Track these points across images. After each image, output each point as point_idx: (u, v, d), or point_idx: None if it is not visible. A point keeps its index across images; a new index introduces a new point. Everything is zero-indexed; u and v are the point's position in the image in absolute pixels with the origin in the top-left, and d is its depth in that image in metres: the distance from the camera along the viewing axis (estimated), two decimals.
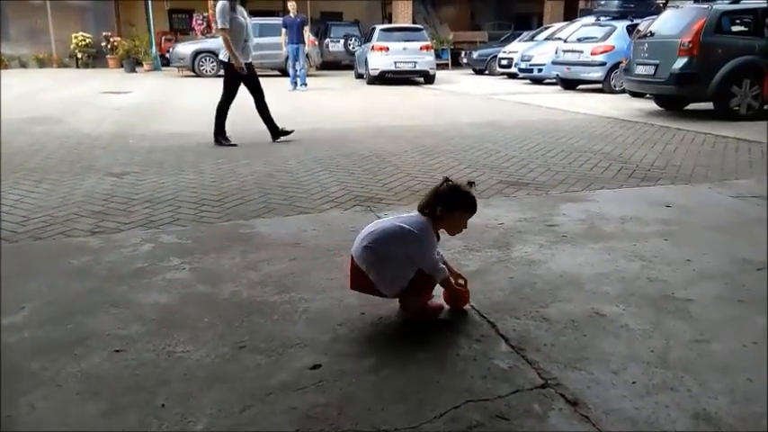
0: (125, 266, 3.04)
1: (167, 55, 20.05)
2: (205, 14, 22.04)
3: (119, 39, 22.14)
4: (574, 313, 2.50)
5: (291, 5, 13.99)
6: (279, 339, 2.29)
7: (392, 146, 6.55)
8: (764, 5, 8.60)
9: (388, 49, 15.76)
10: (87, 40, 22.40)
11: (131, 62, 20.49)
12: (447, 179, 2.41)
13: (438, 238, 2.45)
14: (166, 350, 2.21)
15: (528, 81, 16.32)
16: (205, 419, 1.82)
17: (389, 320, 2.46)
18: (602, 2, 15.18)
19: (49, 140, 6.83)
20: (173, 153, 6.13)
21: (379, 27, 17.31)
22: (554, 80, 14.64)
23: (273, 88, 14.44)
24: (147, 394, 1.94)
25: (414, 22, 22.19)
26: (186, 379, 2.03)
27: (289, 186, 4.75)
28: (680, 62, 8.36)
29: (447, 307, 2.53)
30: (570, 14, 23.25)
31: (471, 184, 2.43)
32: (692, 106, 9.49)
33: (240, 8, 6.68)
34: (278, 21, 15.88)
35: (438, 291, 2.53)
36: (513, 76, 17.53)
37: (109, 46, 22.01)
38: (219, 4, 6.51)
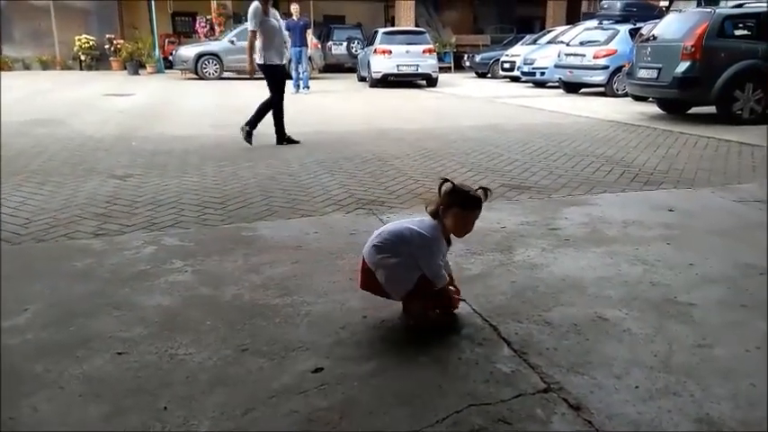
0: (128, 269, 3.04)
1: (170, 57, 20.08)
2: (208, 17, 22.08)
3: (122, 41, 22.20)
4: (576, 317, 2.49)
5: (294, 8, 14.03)
6: (281, 342, 2.29)
7: (394, 149, 6.56)
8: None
9: (390, 52, 15.78)
10: (91, 43, 22.46)
11: (134, 64, 20.53)
12: (445, 179, 2.41)
13: (449, 243, 2.45)
14: (169, 353, 2.21)
15: (530, 84, 16.32)
16: (207, 422, 1.82)
17: (391, 324, 2.45)
18: (605, 5, 15.17)
19: (52, 142, 6.85)
20: (175, 155, 6.15)
21: (381, 30, 17.34)
22: (556, 83, 14.64)
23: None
24: (150, 397, 1.94)
25: (416, 26, 22.24)
26: (188, 382, 2.03)
27: (291, 189, 4.75)
28: (683, 66, 8.36)
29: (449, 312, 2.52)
30: (573, 18, 23.28)
31: (485, 190, 2.41)
32: (694, 110, 9.48)
33: (273, 10, 6.78)
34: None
35: None
36: (515, 79, 17.53)
37: (112, 48, 22.07)
38: (252, 6, 6.61)
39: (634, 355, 2.19)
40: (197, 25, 22.62)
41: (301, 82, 13.94)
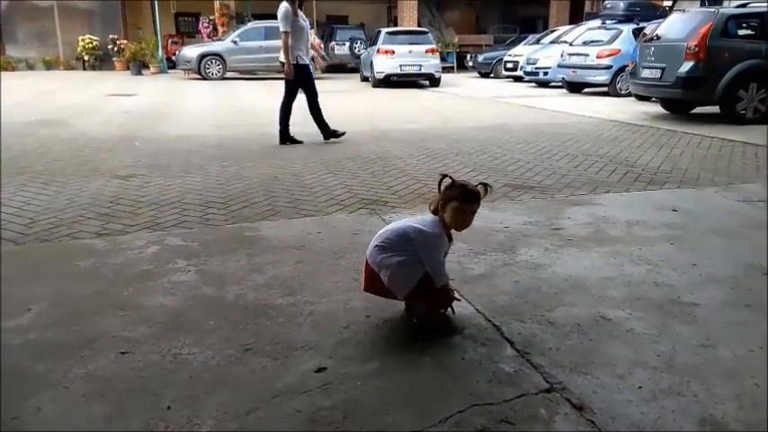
0: (131, 268, 3.05)
1: (173, 58, 20.13)
2: (211, 18, 22.12)
3: (125, 41, 22.26)
4: (579, 317, 2.49)
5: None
6: (284, 342, 2.29)
7: (397, 149, 6.56)
8: None
9: (393, 52, 15.78)
10: (94, 43, 22.53)
11: (138, 65, 20.58)
12: (444, 175, 2.41)
13: (450, 239, 2.45)
14: (172, 352, 2.22)
15: (533, 84, 16.30)
16: (211, 422, 1.82)
17: (395, 324, 2.45)
18: (608, 5, 15.15)
19: (56, 143, 6.86)
20: (179, 155, 6.16)
21: (384, 30, 17.34)
22: (560, 83, 14.63)
23: (279, 91, 14.48)
24: (153, 396, 1.95)
25: (419, 26, 22.25)
26: (192, 381, 2.03)
27: (294, 189, 4.75)
28: (686, 66, 8.34)
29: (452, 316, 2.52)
30: (576, 18, 23.25)
31: (485, 186, 2.41)
32: (698, 110, 9.46)
33: (300, 11, 6.88)
34: None
35: None
36: (518, 79, 17.52)
37: (115, 48, 22.13)
38: (282, 8, 6.70)
39: (637, 356, 2.19)
40: (200, 25, 22.67)
41: None
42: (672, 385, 2.00)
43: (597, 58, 13.00)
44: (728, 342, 2.29)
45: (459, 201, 2.33)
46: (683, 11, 10.41)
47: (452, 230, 2.43)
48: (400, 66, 15.79)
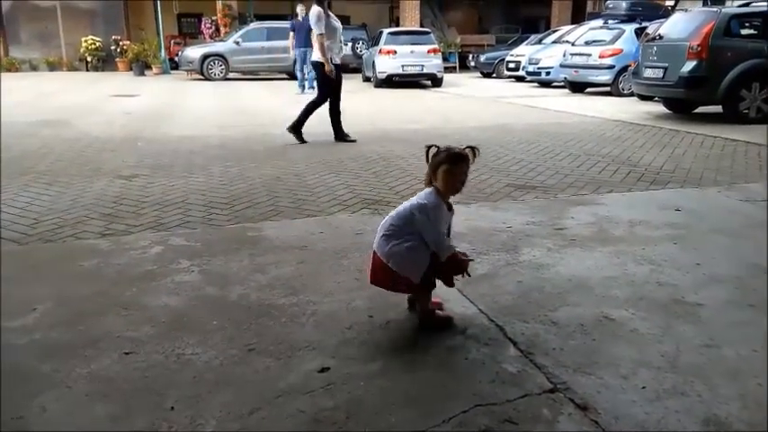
0: (134, 269, 3.05)
1: (176, 58, 20.15)
2: (214, 18, 22.14)
3: (128, 42, 22.29)
4: (583, 317, 2.49)
5: (300, 9, 14.03)
6: (287, 342, 2.29)
7: (399, 149, 6.56)
8: None
9: (395, 52, 15.78)
10: (97, 44, 22.57)
11: (140, 65, 20.62)
12: (430, 146, 2.41)
13: (450, 209, 2.42)
14: (176, 352, 2.22)
15: (536, 84, 16.29)
16: (214, 422, 1.82)
17: (397, 324, 2.45)
18: (611, 5, 15.13)
19: (59, 143, 6.88)
20: (181, 156, 6.16)
21: (386, 30, 17.33)
22: (562, 83, 14.61)
23: (281, 91, 14.52)
24: (157, 396, 1.95)
25: (421, 26, 22.22)
26: (195, 381, 2.04)
27: (296, 189, 4.76)
28: (689, 65, 8.33)
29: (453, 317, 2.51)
30: (578, 17, 23.23)
31: (473, 149, 2.39)
32: (700, 109, 9.45)
33: (330, 12, 6.97)
34: (286, 24, 15.95)
35: (441, 290, 2.52)
36: (520, 79, 17.50)
37: (118, 49, 22.17)
38: (315, 11, 6.84)
39: (641, 356, 2.18)
40: (202, 26, 22.70)
41: (306, 83, 13.95)
42: (676, 385, 2.00)
43: (599, 57, 12.99)
44: (732, 342, 2.28)
45: (448, 164, 2.33)
46: (686, 10, 10.40)
47: (451, 202, 2.42)
48: (402, 66, 15.78)
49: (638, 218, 3.88)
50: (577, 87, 13.88)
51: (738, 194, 4.51)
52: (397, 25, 23.78)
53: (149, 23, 22.87)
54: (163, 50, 21.52)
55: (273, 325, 2.44)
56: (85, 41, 22.44)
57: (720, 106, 8.62)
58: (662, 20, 10.66)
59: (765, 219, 3.87)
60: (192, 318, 2.51)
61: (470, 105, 11.88)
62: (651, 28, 10.41)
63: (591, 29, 14.91)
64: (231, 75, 18.06)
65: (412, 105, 11.81)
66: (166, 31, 22.62)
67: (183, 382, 2.03)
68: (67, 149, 6.51)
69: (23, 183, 4.91)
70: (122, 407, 1.90)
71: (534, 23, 26.45)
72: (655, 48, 9.19)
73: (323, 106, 7.12)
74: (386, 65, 15.80)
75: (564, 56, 14.14)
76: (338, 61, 7.02)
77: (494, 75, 20.11)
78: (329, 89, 7.05)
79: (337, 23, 7.02)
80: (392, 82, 15.95)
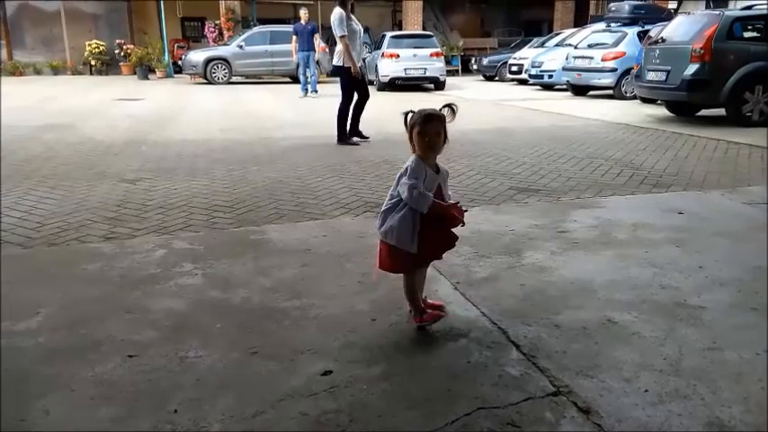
0: (138, 272, 3.06)
1: (180, 62, 20.20)
2: (217, 22, 22.19)
3: (132, 46, 22.35)
4: (585, 320, 2.49)
5: (303, 13, 14.09)
6: (290, 345, 2.30)
7: (403, 152, 6.52)
8: None
9: (398, 55, 15.80)
10: (101, 48, 22.63)
11: (144, 69, 20.65)
12: (407, 112, 2.42)
13: (438, 171, 2.39)
14: (179, 355, 2.23)
15: (538, 87, 16.29)
16: (217, 425, 1.83)
17: (400, 327, 2.46)
18: (613, 8, 15.12)
19: (63, 147, 6.90)
20: (185, 159, 6.18)
21: (389, 34, 17.36)
22: (564, 86, 14.60)
23: (284, 95, 14.55)
24: (160, 399, 1.95)
25: (424, 29, 22.25)
26: (199, 384, 2.04)
27: (299, 193, 4.77)
28: (691, 68, 8.32)
29: (446, 314, 2.51)
30: (581, 20, 23.21)
31: (450, 107, 2.39)
32: (703, 112, 9.44)
33: (352, 15, 7.06)
34: (289, 28, 16.00)
35: (444, 293, 2.52)
36: (523, 82, 17.51)
37: (122, 53, 22.22)
38: (336, 14, 6.90)
39: (644, 359, 2.18)
40: (206, 30, 22.73)
41: (309, 86, 13.99)
42: (678, 388, 1.99)
43: (602, 60, 12.99)
44: (735, 345, 2.28)
45: (420, 124, 2.33)
46: (688, 13, 10.41)
47: (442, 164, 2.42)
48: (405, 69, 15.80)
49: (641, 221, 3.87)
50: (580, 90, 13.88)
51: (741, 197, 4.50)
52: (400, 29, 23.82)
53: (153, 27, 22.92)
54: (166, 54, 21.56)
55: (276, 328, 2.45)
56: (89, 45, 22.51)
57: (723, 109, 8.61)
58: (664, 23, 10.65)
59: (767, 222, 3.88)
60: (195, 321, 2.51)
61: (473, 108, 11.87)
62: (654, 31, 10.40)
63: (593, 32, 14.91)
64: (234, 78, 18.09)
65: (415, 108, 11.79)
66: (170, 34, 22.67)
67: (187, 385, 2.03)
68: (71, 153, 6.54)
69: (28, 186, 4.93)
70: (126, 410, 1.90)
71: (537, 26, 26.41)
72: (657, 51, 9.19)
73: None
74: (388, 68, 15.82)
75: (566, 59, 14.14)
76: (360, 63, 7.14)
77: (496, 78, 20.10)
78: (352, 91, 7.19)
79: (358, 26, 7.10)
80: (395, 85, 15.96)
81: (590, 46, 13.87)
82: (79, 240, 3.62)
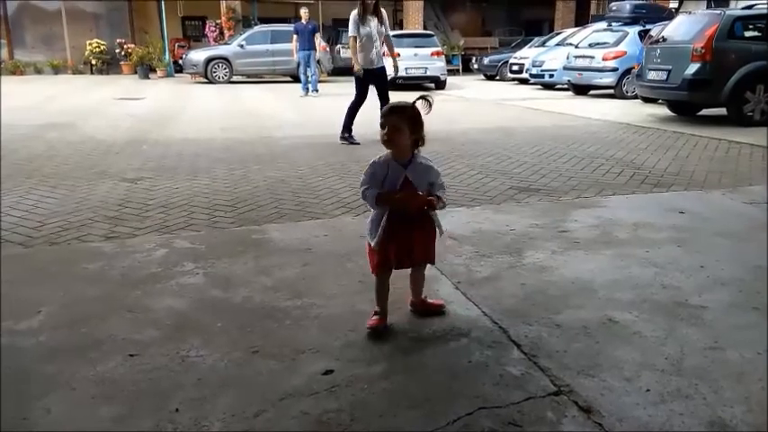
0: (139, 271, 3.06)
1: (180, 61, 20.20)
2: (218, 21, 22.19)
3: (132, 45, 22.34)
4: (586, 320, 2.49)
5: (303, 12, 14.08)
6: (291, 345, 2.30)
7: None
8: None
9: (398, 55, 15.78)
10: (102, 47, 22.62)
11: (145, 68, 20.65)
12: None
13: (409, 163, 2.41)
14: (180, 355, 2.23)
15: (539, 87, 16.28)
16: (219, 424, 1.83)
17: (401, 326, 2.46)
18: (614, 7, 15.11)
19: (64, 146, 6.90)
20: (186, 159, 6.18)
21: (390, 33, 17.33)
22: (565, 86, 14.60)
23: (285, 94, 14.55)
24: (161, 398, 1.96)
25: (424, 28, 22.24)
26: (200, 383, 2.04)
27: (300, 192, 4.77)
28: (693, 68, 8.32)
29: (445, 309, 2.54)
30: (582, 20, 23.20)
31: (424, 98, 2.44)
32: (704, 112, 9.43)
33: (369, 18, 7.23)
34: (289, 27, 15.99)
35: (445, 292, 2.52)
36: (524, 81, 17.51)
37: (123, 52, 22.22)
38: (352, 14, 7.22)
39: (645, 358, 2.18)
40: (207, 29, 22.74)
41: (310, 85, 13.99)
42: (680, 388, 1.99)
43: (603, 60, 12.98)
44: (736, 344, 2.28)
45: (382, 116, 2.40)
46: (690, 13, 10.39)
47: (425, 161, 2.46)
48: (405, 69, 15.76)
49: (642, 220, 3.87)
50: (581, 90, 13.87)
51: (742, 197, 4.50)
52: (401, 28, 23.80)
53: (154, 27, 22.92)
54: (167, 53, 21.55)
55: (278, 327, 2.45)
56: (90, 44, 22.50)
57: (724, 109, 8.61)
58: (666, 22, 10.65)
59: (767, 221, 3.87)
60: (196, 320, 2.52)
61: (474, 108, 11.88)
62: (655, 30, 10.39)
63: (594, 31, 14.90)
64: (235, 78, 18.08)
65: None
66: (171, 34, 22.66)
67: (188, 384, 2.03)
68: (72, 152, 6.54)
69: (29, 186, 4.93)
70: (127, 409, 1.91)
71: (538, 26, 26.40)
72: (658, 50, 9.18)
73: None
74: (389, 67, 15.78)
75: (567, 58, 14.13)
76: (377, 65, 7.37)
77: (497, 77, 20.09)
78: (364, 90, 7.40)
79: (370, 30, 7.21)
80: (395, 84, 15.94)
81: (591, 45, 13.87)
82: (80, 239, 3.62)
